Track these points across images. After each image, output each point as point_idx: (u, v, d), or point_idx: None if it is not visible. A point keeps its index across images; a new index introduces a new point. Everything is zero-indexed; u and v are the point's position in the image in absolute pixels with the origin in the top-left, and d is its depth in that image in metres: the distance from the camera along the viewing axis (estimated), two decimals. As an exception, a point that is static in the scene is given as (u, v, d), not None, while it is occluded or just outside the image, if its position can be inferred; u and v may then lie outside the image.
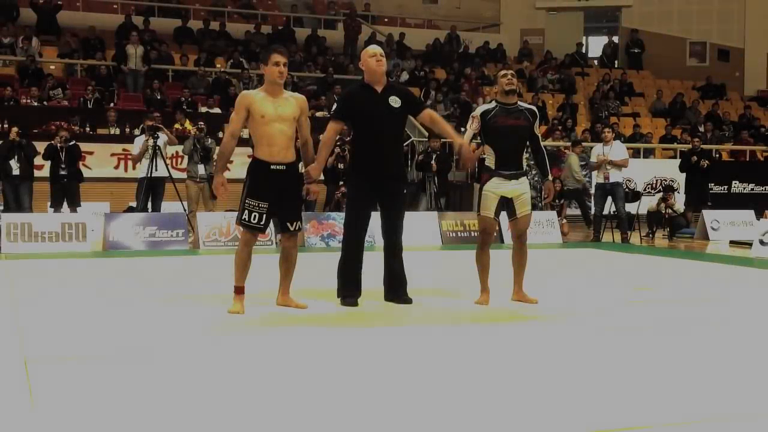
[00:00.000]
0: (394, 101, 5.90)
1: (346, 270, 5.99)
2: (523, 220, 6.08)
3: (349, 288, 5.97)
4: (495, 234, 6.31)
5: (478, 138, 6.11)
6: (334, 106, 6.78)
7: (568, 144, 15.41)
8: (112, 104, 15.66)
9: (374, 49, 6.02)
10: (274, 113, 5.56)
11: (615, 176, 11.93)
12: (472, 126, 6.04)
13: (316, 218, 11.33)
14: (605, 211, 12.24)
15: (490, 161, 6.01)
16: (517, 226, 6.12)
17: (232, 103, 16.18)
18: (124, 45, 16.64)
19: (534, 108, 6.19)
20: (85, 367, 3.98)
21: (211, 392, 3.54)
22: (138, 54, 16.46)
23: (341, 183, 12.62)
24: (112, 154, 13.90)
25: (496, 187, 5.97)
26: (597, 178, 12.33)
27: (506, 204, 6.04)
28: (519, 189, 6.00)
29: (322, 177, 6.31)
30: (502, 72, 6.14)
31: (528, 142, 6.13)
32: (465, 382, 3.76)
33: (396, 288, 6.06)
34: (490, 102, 6.15)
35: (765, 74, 24.37)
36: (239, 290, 5.61)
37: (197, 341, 4.66)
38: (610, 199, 12.03)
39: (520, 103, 6.12)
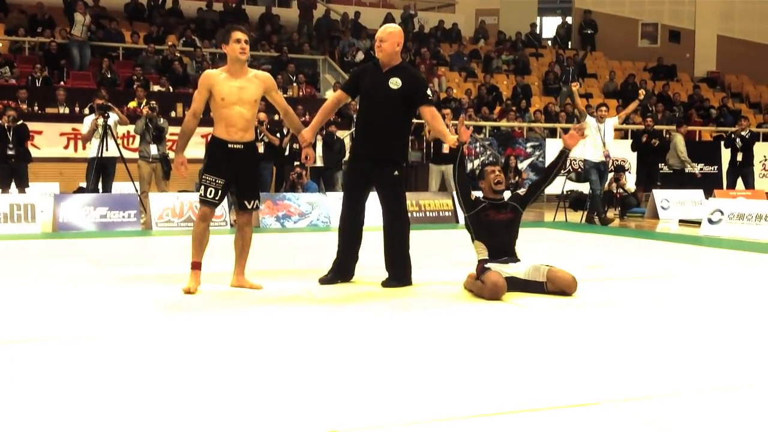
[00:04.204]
0: (394, 83, 5.77)
1: (338, 255, 6.00)
2: (556, 275, 5.51)
3: (333, 270, 5.96)
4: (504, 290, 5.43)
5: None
6: None
7: (672, 126, 15.47)
8: (61, 83, 15.35)
9: (392, 27, 5.92)
10: (235, 96, 5.55)
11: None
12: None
13: (271, 199, 11.28)
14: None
15: (482, 254, 5.69)
16: (556, 284, 5.50)
17: (179, 82, 16.04)
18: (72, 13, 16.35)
19: (518, 193, 5.92)
20: (38, 349, 3.92)
21: (166, 371, 3.52)
22: (85, 23, 16.13)
23: (296, 164, 12.55)
24: (62, 134, 13.67)
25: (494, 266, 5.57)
26: (594, 156, 11.64)
27: (516, 284, 5.55)
28: (519, 268, 5.60)
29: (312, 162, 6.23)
30: (490, 168, 5.82)
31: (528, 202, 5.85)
32: (430, 361, 3.78)
33: (389, 271, 5.94)
34: (479, 196, 5.82)
35: (714, 56, 24.81)
36: (196, 266, 5.59)
37: (150, 321, 4.61)
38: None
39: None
